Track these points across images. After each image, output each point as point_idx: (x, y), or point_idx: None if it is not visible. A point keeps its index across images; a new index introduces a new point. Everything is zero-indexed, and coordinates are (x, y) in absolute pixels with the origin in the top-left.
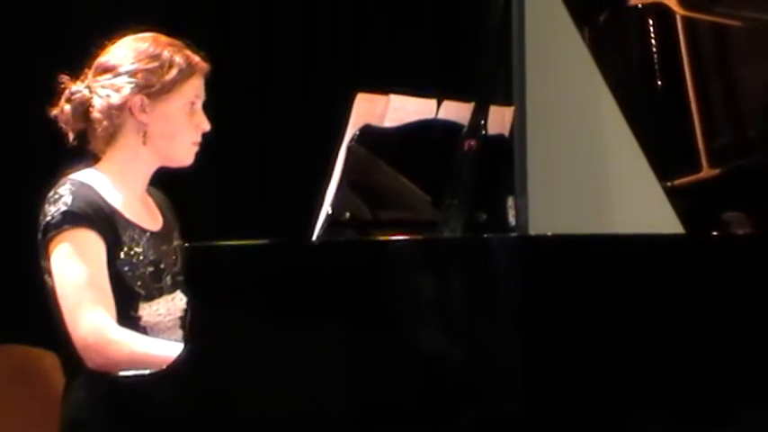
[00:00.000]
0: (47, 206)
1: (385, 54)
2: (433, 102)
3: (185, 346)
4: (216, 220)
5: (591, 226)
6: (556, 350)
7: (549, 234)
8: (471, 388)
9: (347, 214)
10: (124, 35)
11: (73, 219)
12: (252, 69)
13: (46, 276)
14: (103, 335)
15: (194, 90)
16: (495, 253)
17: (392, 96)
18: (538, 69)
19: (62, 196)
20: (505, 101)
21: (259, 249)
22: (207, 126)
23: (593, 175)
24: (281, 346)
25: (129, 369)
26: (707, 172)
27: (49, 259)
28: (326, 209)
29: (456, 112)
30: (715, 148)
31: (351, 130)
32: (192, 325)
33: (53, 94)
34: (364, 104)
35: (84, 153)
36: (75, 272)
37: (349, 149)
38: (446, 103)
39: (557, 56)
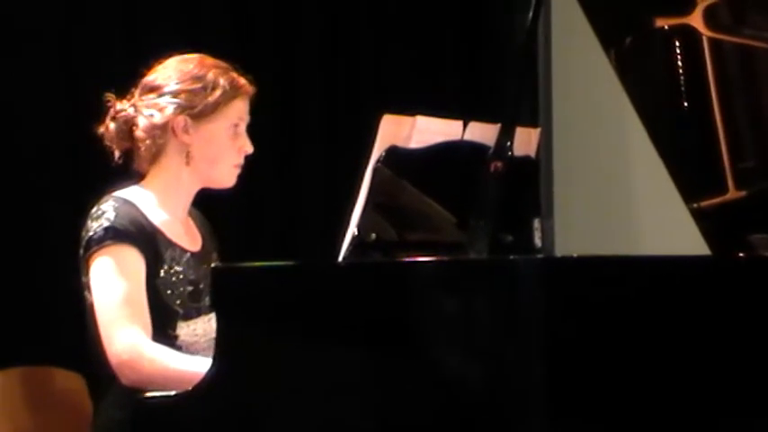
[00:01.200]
0: (89, 222)
1: (410, 75)
2: (460, 123)
3: (211, 367)
4: (242, 240)
5: (617, 247)
6: (581, 376)
7: (574, 256)
8: (495, 413)
9: (373, 235)
10: (171, 56)
11: (115, 234)
12: (275, 91)
13: (85, 292)
14: (138, 351)
15: (238, 112)
16: (521, 275)
17: (418, 118)
18: (564, 90)
19: (105, 212)
20: (531, 122)
21: (284, 270)
22: (250, 149)
23: (619, 196)
24: (306, 368)
25: (163, 386)
26: (733, 194)
27: (88, 274)
28: (352, 230)
29: (482, 133)
30: (741, 170)
31: (377, 152)
32: (217, 346)
33: (101, 113)
34: (390, 126)
35: (130, 172)
36: (114, 287)
37: (375, 170)
38: (472, 125)
39: (583, 77)
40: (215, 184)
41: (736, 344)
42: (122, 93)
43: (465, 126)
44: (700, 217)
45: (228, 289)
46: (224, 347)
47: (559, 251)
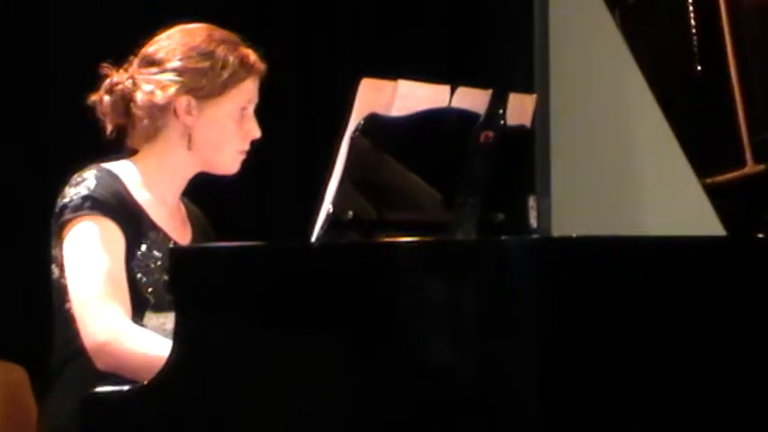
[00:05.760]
0: (67, 188)
1: (390, 33)
2: (446, 88)
3: (168, 359)
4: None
5: (620, 227)
6: (580, 366)
7: (573, 236)
8: (485, 407)
9: (350, 214)
10: (175, 25)
11: (94, 204)
12: None
13: (53, 266)
14: (118, 333)
15: (247, 94)
16: (514, 257)
17: (400, 82)
18: (563, 52)
19: (85, 179)
20: (526, 88)
21: (250, 252)
22: (257, 134)
23: (624, 170)
24: (274, 361)
25: (142, 373)
26: (751, 167)
27: (61, 245)
28: (327, 207)
29: (471, 99)
30: (760, 142)
31: (354, 120)
32: (175, 336)
33: (94, 83)
34: (369, 91)
35: (122, 148)
36: (92, 261)
37: (352, 141)
38: (460, 90)
39: (584, 38)
40: (216, 170)
41: (754, 333)
42: (119, 63)
43: (452, 91)
44: (714, 194)
45: (188, 272)
46: (183, 337)
47: (557, 232)
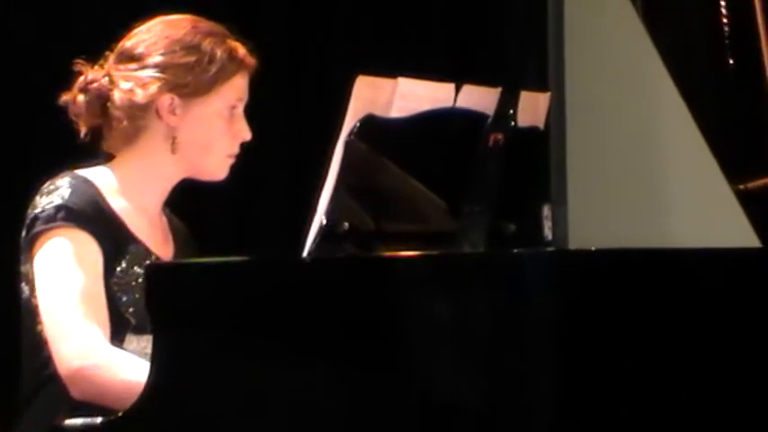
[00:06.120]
0: (38, 197)
1: (389, 27)
2: (451, 86)
3: (145, 385)
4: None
5: (643, 239)
6: (599, 390)
7: (592, 249)
8: None
9: (345, 224)
10: (155, 16)
11: (68, 215)
12: None
13: (22, 284)
14: (94, 357)
15: (236, 92)
16: (527, 271)
17: (400, 80)
18: (578, 46)
19: (59, 188)
20: (539, 86)
21: (234, 268)
22: (248, 135)
23: (647, 176)
24: (261, 387)
25: (122, 402)
26: None
27: (31, 261)
28: (320, 218)
29: (479, 99)
30: None
31: (350, 122)
32: (153, 360)
33: (66, 81)
34: (366, 90)
35: (97, 152)
36: (65, 278)
37: (347, 145)
38: (466, 88)
39: (602, 30)
40: (203, 176)
41: None
42: (94, 58)
43: (458, 90)
44: (747, 200)
45: (165, 291)
46: (161, 361)
47: (574, 244)
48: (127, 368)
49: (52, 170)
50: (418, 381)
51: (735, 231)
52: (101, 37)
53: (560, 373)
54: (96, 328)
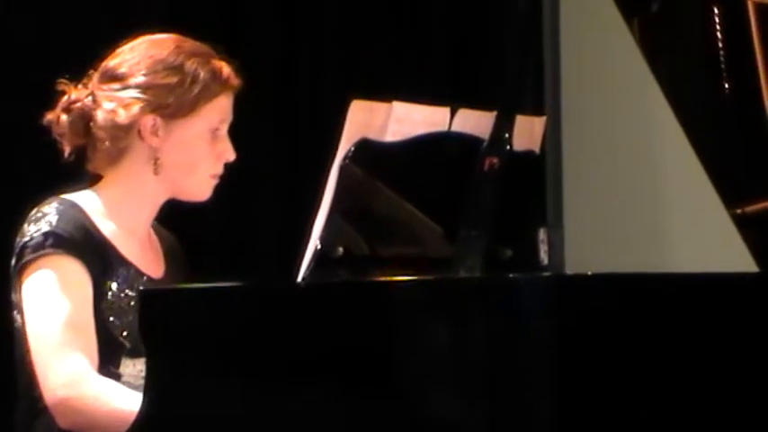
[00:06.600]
0: (26, 225)
1: (384, 50)
2: (446, 110)
3: (138, 413)
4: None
5: (641, 263)
6: (597, 414)
7: (589, 273)
8: None
9: (340, 249)
10: (139, 35)
11: (56, 242)
12: None
13: (14, 313)
14: (80, 387)
15: (220, 112)
16: (523, 296)
17: (395, 104)
18: (575, 70)
19: (46, 214)
20: (536, 109)
21: (229, 293)
22: (232, 156)
23: (644, 199)
24: (256, 416)
25: (109, 431)
26: None
27: (20, 290)
28: (315, 243)
29: (474, 123)
30: None
31: (344, 146)
32: (146, 387)
33: (49, 100)
34: (360, 114)
35: (82, 172)
36: (53, 306)
37: (342, 169)
38: (462, 112)
39: (598, 52)
40: (186, 197)
41: None
42: (78, 76)
43: (453, 114)
44: (744, 225)
45: (159, 317)
46: (154, 389)
47: (570, 268)
48: (114, 398)
49: (38, 190)
50: (414, 406)
51: (732, 255)
52: (86, 55)
53: (558, 397)
54: (83, 358)
